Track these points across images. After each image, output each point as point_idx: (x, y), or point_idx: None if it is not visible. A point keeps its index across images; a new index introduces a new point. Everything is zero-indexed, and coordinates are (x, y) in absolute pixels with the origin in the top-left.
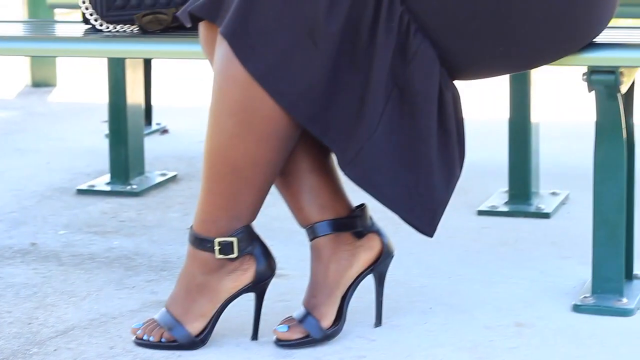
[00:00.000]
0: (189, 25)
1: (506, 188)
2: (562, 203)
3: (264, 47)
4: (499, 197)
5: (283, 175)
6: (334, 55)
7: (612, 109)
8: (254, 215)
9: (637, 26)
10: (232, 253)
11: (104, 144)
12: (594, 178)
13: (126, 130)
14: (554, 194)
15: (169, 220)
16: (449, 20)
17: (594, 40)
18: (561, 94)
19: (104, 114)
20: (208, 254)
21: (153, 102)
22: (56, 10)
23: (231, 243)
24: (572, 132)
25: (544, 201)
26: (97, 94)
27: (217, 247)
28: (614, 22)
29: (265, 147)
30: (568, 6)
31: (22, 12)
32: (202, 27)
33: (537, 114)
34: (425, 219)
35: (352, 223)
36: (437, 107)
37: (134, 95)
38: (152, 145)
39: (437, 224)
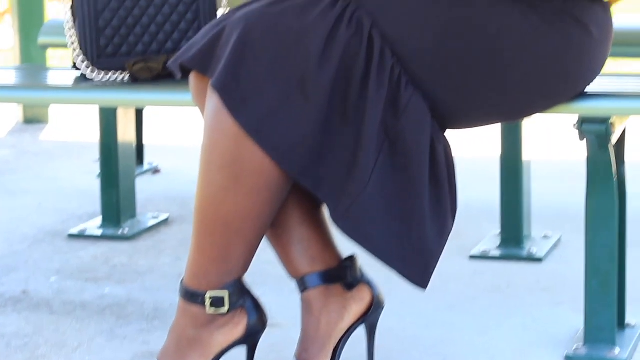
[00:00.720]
0: (179, 77)
1: (498, 230)
2: (554, 246)
3: (255, 99)
4: (491, 241)
5: (273, 227)
6: (325, 108)
7: (603, 159)
8: (245, 269)
9: (628, 74)
10: (223, 307)
11: (96, 184)
12: (585, 227)
13: (117, 172)
14: (546, 237)
15: (160, 266)
16: (440, 73)
17: (586, 89)
18: (553, 131)
19: (96, 152)
20: (199, 307)
21: (145, 140)
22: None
23: (222, 297)
24: (563, 170)
25: (536, 244)
26: (89, 131)
27: (208, 301)
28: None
29: (256, 200)
30: (559, 58)
31: (14, 52)
32: (192, 77)
33: (529, 151)
34: (418, 271)
35: (343, 274)
36: (429, 159)
37: (126, 135)
38: (144, 186)
39: (431, 276)
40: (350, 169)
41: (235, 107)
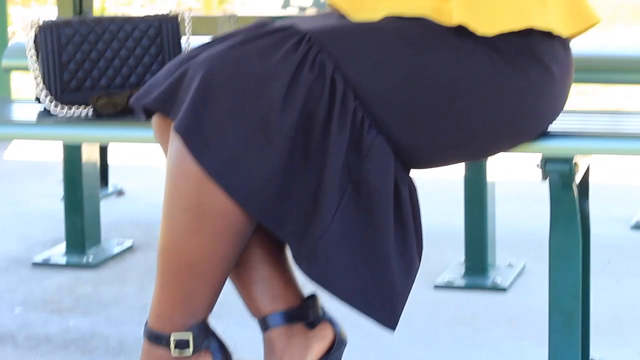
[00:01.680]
0: (143, 119)
1: (463, 258)
2: (519, 275)
3: (217, 142)
4: (455, 269)
5: (235, 266)
6: (288, 151)
7: (567, 198)
8: (209, 310)
9: (591, 111)
10: (188, 349)
11: (60, 207)
12: (549, 264)
13: (82, 197)
14: (510, 265)
15: (125, 297)
16: (402, 116)
17: (549, 128)
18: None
19: (60, 173)
20: (164, 349)
21: (109, 159)
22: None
23: (187, 339)
24: (527, 192)
25: (500, 274)
26: (54, 149)
27: (172, 344)
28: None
29: (220, 242)
30: (521, 99)
31: None
32: (155, 118)
33: (493, 172)
34: (385, 312)
35: (305, 313)
36: (394, 200)
37: (90, 158)
38: (108, 209)
39: (399, 316)
40: (313, 211)
41: (198, 150)
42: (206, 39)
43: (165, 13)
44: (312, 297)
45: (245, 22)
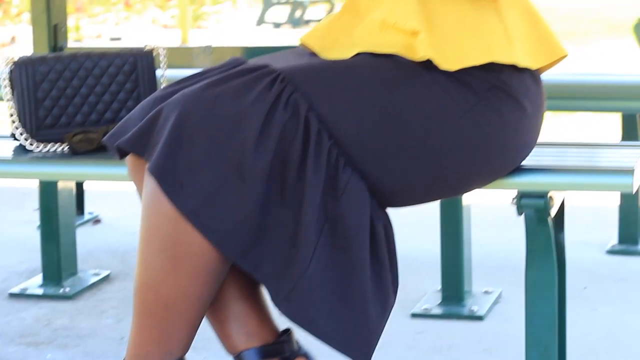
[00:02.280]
0: (117, 158)
1: (439, 286)
2: (495, 302)
3: (192, 183)
4: (432, 298)
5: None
6: (263, 191)
7: (542, 232)
8: (186, 349)
9: (566, 144)
10: None
11: (37, 236)
12: (525, 298)
13: (58, 227)
14: (486, 292)
15: (102, 328)
16: (377, 155)
17: (523, 163)
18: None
19: (36, 200)
20: None
21: (85, 186)
22: None
23: None
24: (503, 215)
25: (477, 302)
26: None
27: None
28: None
29: (196, 282)
30: (494, 135)
31: None
32: (130, 158)
33: (468, 196)
34: (361, 349)
35: (280, 349)
36: (369, 238)
37: (66, 185)
38: (84, 238)
39: (373, 351)
40: (291, 252)
41: (173, 191)
42: (182, 71)
43: (140, 48)
44: (287, 332)
45: (220, 53)
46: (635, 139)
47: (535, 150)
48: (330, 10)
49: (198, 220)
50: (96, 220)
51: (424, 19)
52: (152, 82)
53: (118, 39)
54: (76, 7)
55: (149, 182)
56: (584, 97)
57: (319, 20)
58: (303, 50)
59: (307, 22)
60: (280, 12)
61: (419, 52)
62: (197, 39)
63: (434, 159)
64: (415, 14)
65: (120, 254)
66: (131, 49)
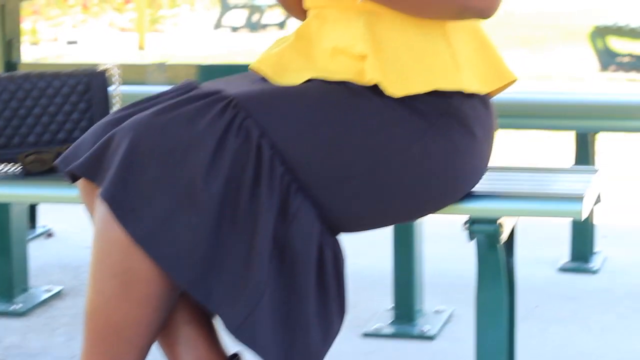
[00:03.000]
0: (69, 182)
1: (391, 305)
2: (447, 322)
3: (144, 209)
4: (384, 316)
5: None
6: (215, 217)
7: (493, 258)
8: None
9: (517, 168)
10: None
11: None
12: (476, 322)
13: (9, 242)
14: (438, 311)
15: (54, 347)
16: (328, 181)
17: (475, 188)
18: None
19: None
20: None
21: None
22: None
23: None
24: (457, 232)
25: (428, 321)
26: None
27: None
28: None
29: (146, 308)
30: (445, 162)
31: None
32: (81, 182)
33: None
34: None
35: None
36: (316, 264)
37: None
38: (36, 252)
39: None
40: (244, 278)
41: (124, 218)
42: (136, 88)
43: (93, 68)
44: (237, 356)
45: (175, 71)
46: (588, 157)
47: (487, 174)
48: (288, 15)
49: (149, 247)
50: (49, 234)
51: (372, 43)
52: (106, 102)
53: (75, 42)
54: (33, 10)
55: (101, 208)
56: (538, 115)
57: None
58: (255, 76)
59: (265, 26)
60: (238, 16)
61: (367, 76)
62: (154, 42)
63: (385, 186)
64: (363, 38)
65: (73, 268)
66: (85, 69)
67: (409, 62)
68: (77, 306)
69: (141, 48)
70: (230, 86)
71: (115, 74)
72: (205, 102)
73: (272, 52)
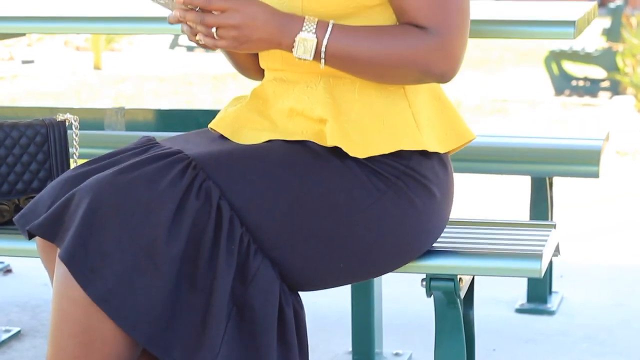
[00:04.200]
0: (27, 239)
1: (350, 348)
2: None
3: (103, 269)
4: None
5: None
6: (174, 277)
7: (451, 313)
8: None
9: (475, 223)
10: None
11: None
12: None
13: None
14: (397, 354)
15: None
16: (287, 241)
17: (433, 245)
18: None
19: None
20: None
21: None
22: None
23: None
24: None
25: None
26: None
27: None
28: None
29: None
30: (404, 221)
31: None
32: (40, 241)
33: None
34: None
35: None
36: (277, 323)
37: None
38: None
39: None
40: (201, 337)
41: (84, 278)
42: (94, 134)
43: (52, 118)
44: None
45: (133, 115)
46: (544, 201)
47: (446, 229)
48: None
49: (109, 306)
50: (7, 270)
51: (331, 107)
52: (64, 153)
53: (31, 61)
54: None
55: (60, 268)
56: (493, 159)
57: None
58: (214, 134)
59: None
60: None
61: (327, 140)
62: (110, 62)
63: (345, 246)
64: (322, 102)
65: (32, 308)
66: (43, 120)
67: (371, 124)
68: (36, 348)
69: (97, 67)
70: (190, 145)
71: (73, 124)
72: (166, 162)
73: (229, 111)
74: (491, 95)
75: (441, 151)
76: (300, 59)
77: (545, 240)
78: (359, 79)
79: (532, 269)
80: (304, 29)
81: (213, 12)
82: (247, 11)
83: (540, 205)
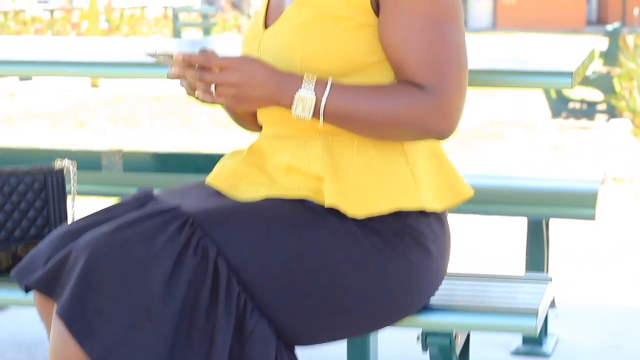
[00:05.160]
0: (24, 293)
1: None
2: None
3: (100, 327)
4: None
5: None
6: (171, 335)
7: None
8: None
9: (473, 276)
10: None
11: None
12: None
13: None
14: None
15: None
16: (284, 299)
17: (430, 300)
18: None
19: None
20: None
21: None
22: None
23: None
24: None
25: None
26: None
27: None
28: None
29: None
30: (401, 279)
31: None
32: (38, 296)
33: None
34: None
35: None
36: None
37: None
38: None
39: None
40: None
41: (81, 335)
42: (92, 174)
43: (50, 166)
44: None
45: (131, 158)
46: (541, 243)
47: (443, 282)
48: None
49: None
50: (0, 308)
51: (329, 165)
52: (62, 200)
53: (29, 78)
54: None
55: (57, 324)
56: (491, 201)
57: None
58: (211, 187)
59: None
60: None
61: (325, 199)
62: (106, 80)
63: (341, 303)
64: (320, 159)
65: (27, 346)
66: (41, 167)
67: (369, 183)
68: None
69: (94, 85)
70: (187, 200)
71: (72, 172)
72: (163, 219)
73: (226, 165)
74: (489, 118)
75: (439, 209)
76: (298, 117)
77: (541, 296)
78: (358, 137)
79: (527, 326)
80: (302, 87)
81: (212, 69)
82: (246, 69)
83: (537, 247)
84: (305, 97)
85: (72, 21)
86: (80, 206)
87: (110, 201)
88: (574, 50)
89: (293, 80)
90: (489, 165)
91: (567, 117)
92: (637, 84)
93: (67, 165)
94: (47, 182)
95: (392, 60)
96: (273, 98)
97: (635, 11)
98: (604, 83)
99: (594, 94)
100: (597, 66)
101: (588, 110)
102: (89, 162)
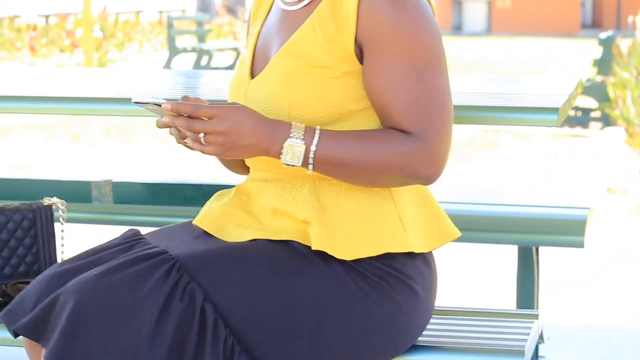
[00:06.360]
0: (13, 337)
1: None
2: None
3: None
4: None
5: None
6: None
7: None
8: None
9: (461, 309)
10: None
11: None
12: None
13: None
14: None
15: None
16: (271, 342)
17: (418, 339)
18: None
19: None
20: None
21: None
22: None
23: None
24: None
25: None
26: None
27: None
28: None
29: None
30: (388, 321)
31: None
32: (27, 340)
33: None
34: None
35: None
36: None
37: None
38: None
39: None
40: None
41: None
42: (81, 206)
43: (39, 202)
44: None
45: (120, 189)
46: (531, 271)
47: (431, 320)
48: (236, 58)
49: None
50: None
51: (316, 209)
52: (51, 237)
53: None
54: None
55: None
56: (480, 229)
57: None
58: (198, 229)
59: (213, 69)
60: (187, 60)
61: (312, 243)
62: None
63: (329, 345)
64: (306, 204)
65: None
66: (30, 204)
67: (357, 226)
68: None
69: None
70: (175, 242)
71: (60, 208)
72: (150, 264)
73: (213, 207)
74: (482, 126)
75: (426, 251)
76: (288, 164)
77: (528, 334)
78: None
79: None
80: (291, 135)
81: (201, 117)
82: (235, 118)
83: (527, 274)
84: (294, 145)
85: (67, 28)
86: (70, 236)
87: (100, 230)
88: (562, 82)
89: (281, 128)
90: (483, 175)
91: (561, 125)
92: (631, 93)
93: (55, 202)
94: (36, 219)
95: (377, 107)
96: (262, 147)
97: (630, 17)
98: (598, 91)
99: (588, 102)
100: (591, 73)
101: (582, 118)
102: (78, 193)
